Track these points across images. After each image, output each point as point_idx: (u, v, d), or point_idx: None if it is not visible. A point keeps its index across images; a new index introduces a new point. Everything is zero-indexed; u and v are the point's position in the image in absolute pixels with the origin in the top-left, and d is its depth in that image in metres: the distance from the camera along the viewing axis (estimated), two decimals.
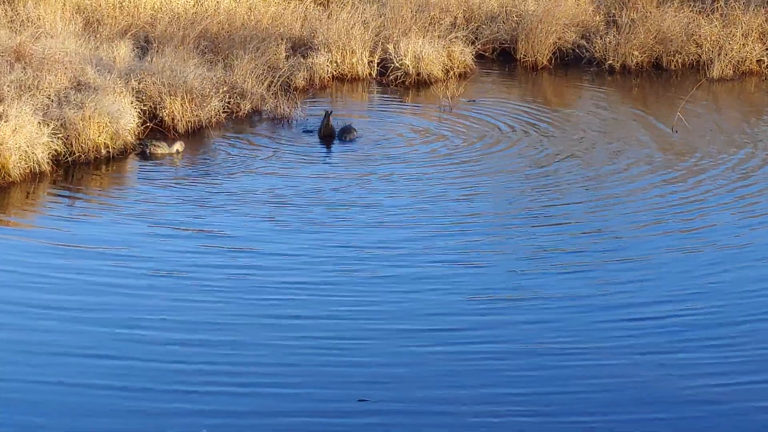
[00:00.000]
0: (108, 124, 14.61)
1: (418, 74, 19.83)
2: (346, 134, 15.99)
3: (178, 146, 15.25)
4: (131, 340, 9.22)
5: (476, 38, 21.81)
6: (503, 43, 21.99)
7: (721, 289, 10.31)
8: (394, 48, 19.96)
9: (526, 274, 10.72)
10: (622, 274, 10.70)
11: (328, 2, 22.81)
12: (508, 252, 11.39)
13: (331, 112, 16.20)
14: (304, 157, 15.15)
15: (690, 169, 14.52)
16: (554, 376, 8.58)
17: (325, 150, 15.62)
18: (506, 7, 22.35)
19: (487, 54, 21.90)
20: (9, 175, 13.43)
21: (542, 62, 21.19)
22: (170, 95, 16.20)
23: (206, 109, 16.41)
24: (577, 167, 14.65)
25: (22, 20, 19.07)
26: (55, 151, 14.15)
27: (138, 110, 15.59)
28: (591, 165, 14.75)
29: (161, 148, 15.07)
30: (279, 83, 18.05)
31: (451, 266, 10.92)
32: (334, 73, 19.88)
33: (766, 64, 20.76)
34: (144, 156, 14.94)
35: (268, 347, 9.12)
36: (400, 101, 18.91)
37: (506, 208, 12.96)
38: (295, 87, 18.75)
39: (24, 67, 15.68)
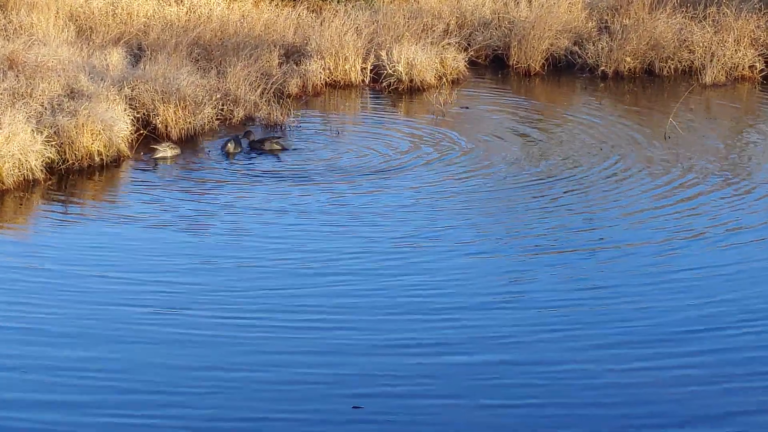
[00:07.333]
0: (101, 131, 14.60)
1: (411, 81, 19.86)
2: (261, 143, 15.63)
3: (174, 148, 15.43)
4: (126, 343, 9.23)
5: (469, 45, 21.86)
6: (496, 50, 22.05)
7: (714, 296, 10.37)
8: (387, 55, 19.99)
9: (523, 284, 10.74)
10: (617, 283, 10.73)
11: (320, 9, 22.85)
12: (504, 261, 11.41)
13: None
14: (292, 166, 15.17)
15: (682, 175, 14.54)
16: (556, 387, 8.58)
17: (317, 159, 15.62)
18: (499, 13, 22.42)
19: (479, 60, 21.95)
20: (2, 183, 13.42)
21: (535, 68, 21.25)
22: (163, 102, 16.21)
23: (199, 116, 16.42)
24: (569, 173, 14.65)
25: (15, 28, 19.09)
26: (49, 158, 14.14)
27: (131, 117, 15.60)
28: (583, 171, 14.76)
29: (174, 150, 15.18)
30: (272, 90, 18.05)
31: (444, 276, 10.96)
32: (327, 79, 19.91)
33: (758, 69, 20.82)
34: (157, 160, 14.99)
35: (261, 351, 9.13)
36: (393, 108, 18.92)
37: (500, 215, 12.98)
38: (288, 94, 18.76)
39: (17, 75, 15.69)
